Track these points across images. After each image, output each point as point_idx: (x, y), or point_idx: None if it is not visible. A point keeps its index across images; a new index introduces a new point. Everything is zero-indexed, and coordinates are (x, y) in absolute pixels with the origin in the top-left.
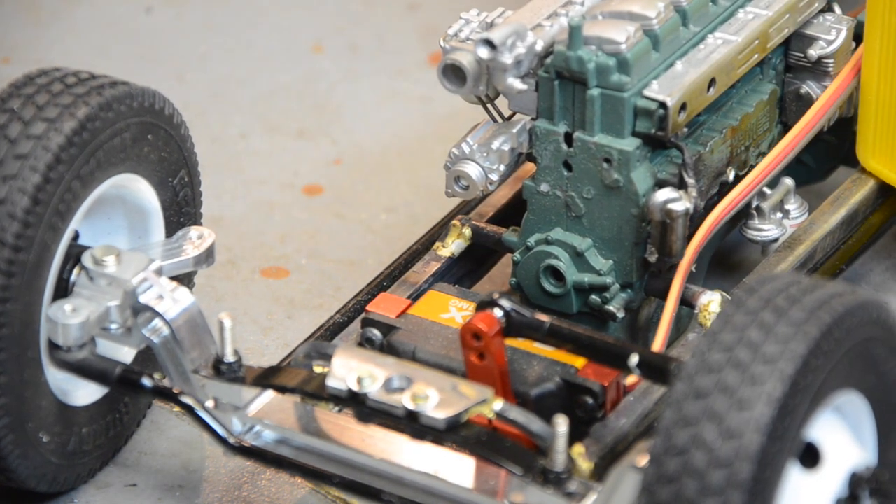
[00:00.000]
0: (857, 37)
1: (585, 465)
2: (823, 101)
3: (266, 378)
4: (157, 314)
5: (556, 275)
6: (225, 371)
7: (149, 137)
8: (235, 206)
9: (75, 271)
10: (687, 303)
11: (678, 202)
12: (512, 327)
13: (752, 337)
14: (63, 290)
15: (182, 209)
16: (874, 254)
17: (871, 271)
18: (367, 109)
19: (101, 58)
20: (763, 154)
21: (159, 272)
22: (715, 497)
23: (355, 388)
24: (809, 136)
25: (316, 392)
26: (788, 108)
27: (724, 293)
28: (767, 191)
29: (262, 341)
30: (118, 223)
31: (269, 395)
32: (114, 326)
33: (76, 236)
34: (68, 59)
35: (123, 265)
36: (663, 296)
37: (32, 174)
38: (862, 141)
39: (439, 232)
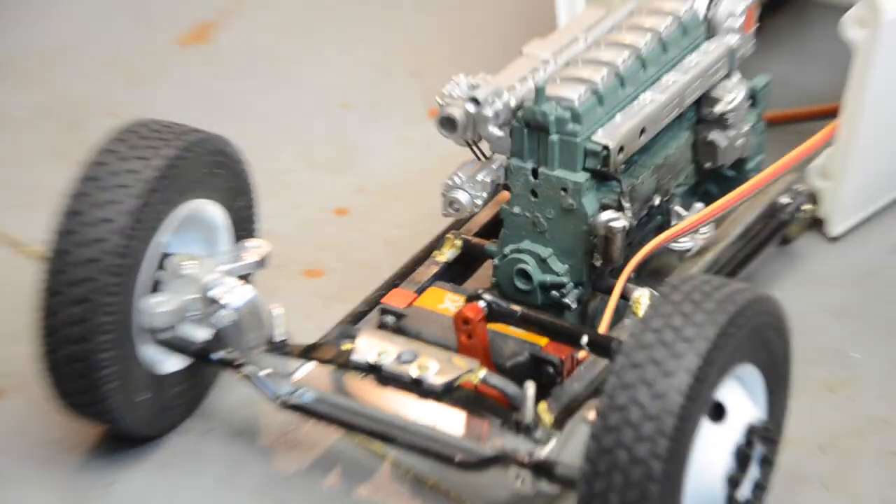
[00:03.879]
0: (753, 98)
1: (548, 418)
2: (765, 175)
3: (307, 353)
4: (226, 305)
5: (526, 276)
6: (276, 347)
7: (218, 172)
8: (283, 224)
9: (163, 272)
10: (624, 296)
11: (617, 221)
12: (492, 315)
13: (675, 322)
14: (154, 286)
15: (243, 225)
16: (762, 260)
17: (759, 272)
18: (382, 151)
19: (185, 112)
20: (683, 185)
21: (226, 273)
22: (646, 442)
23: (374, 360)
24: (738, 204)
25: (344, 363)
26: (700, 150)
27: (652, 290)
28: (684, 212)
29: (304, 325)
30: (196, 236)
31: (309, 365)
32: (193, 314)
33: (164, 246)
34: (160, 113)
35: (200, 268)
36: (607, 291)
37: (130, 199)
38: None
39: (437, 243)
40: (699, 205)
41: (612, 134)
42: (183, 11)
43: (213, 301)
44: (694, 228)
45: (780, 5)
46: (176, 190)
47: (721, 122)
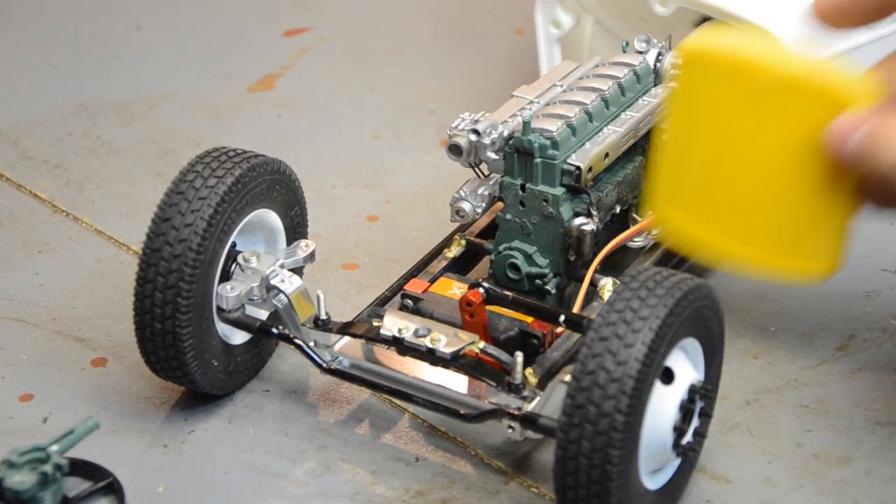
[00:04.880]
0: None
1: (533, 380)
2: None
3: (344, 328)
4: (281, 290)
5: (516, 268)
6: (320, 324)
7: (277, 187)
8: (327, 228)
9: (233, 265)
10: (593, 284)
11: (587, 225)
12: (490, 299)
13: (633, 305)
14: (226, 276)
15: (296, 229)
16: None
17: (698, 265)
18: (404, 171)
19: (252, 142)
20: (638, 198)
21: (282, 266)
22: (611, 399)
23: (397, 334)
24: None
25: (373, 337)
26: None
27: (614, 279)
28: (638, 218)
29: (342, 307)
30: (259, 237)
31: (347, 339)
32: (255, 298)
33: (234, 245)
34: (233, 143)
35: (262, 262)
36: (579, 280)
37: (207, 208)
38: (657, 193)
39: (447, 242)
40: (650, 212)
41: (582, 157)
42: (254, 66)
43: (272, 288)
44: (646, 230)
45: None
46: (243, 201)
47: None
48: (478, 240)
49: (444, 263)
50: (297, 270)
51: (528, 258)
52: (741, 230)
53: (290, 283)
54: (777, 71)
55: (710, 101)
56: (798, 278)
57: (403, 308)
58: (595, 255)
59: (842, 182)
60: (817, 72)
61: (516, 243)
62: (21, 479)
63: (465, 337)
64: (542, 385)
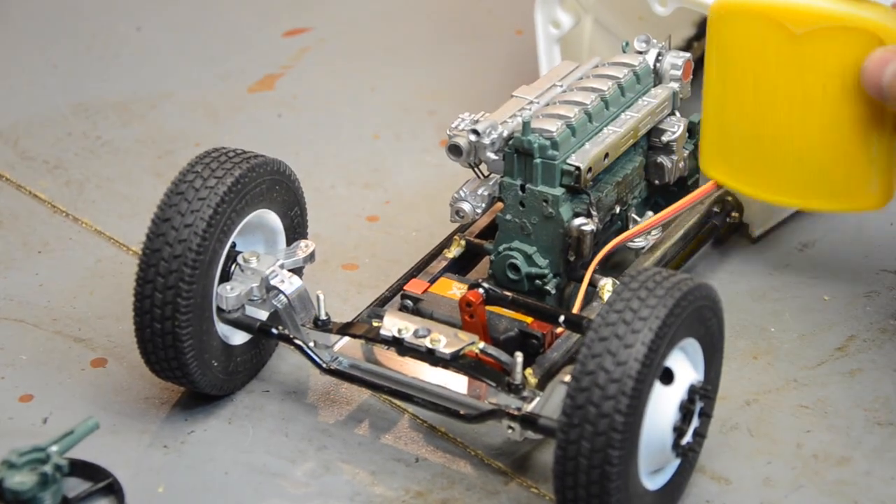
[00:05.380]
0: (690, 131)
1: (533, 380)
2: (691, 197)
3: (344, 329)
4: (281, 291)
5: (515, 268)
6: (320, 325)
7: (276, 188)
8: (327, 228)
9: (233, 266)
10: (592, 284)
11: (587, 225)
12: (489, 299)
13: (633, 305)
14: (226, 276)
15: (296, 230)
16: (700, 256)
17: (698, 265)
18: (404, 172)
19: (252, 142)
20: (637, 198)
21: (282, 266)
22: (610, 400)
23: (397, 335)
24: (686, 208)
25: (374, 337)
26: (650, 171)
27: (614, 279)
28: (638, 219)
29: (342, 307)
30: (259, 237)
31: (346, 339)
32: (255, 298)
33: (233, 245)
34: (234, 143)
35: (261, 262)
36: (579, 280)
37: (207, 209)
38: (704, 155)
39: (446, 243)
40: (650, 213)
41: (582, 158)
42: (254, 66)
43: (272, 288)
44: (646, 231)
45: None
46: (243, 202)
47: (667, 148)
48: (478, 240)
49: (444, 264)
50: (297, 271)
51: (528, 258)
52: (789, 181)
53: (289, 284)
54: (810, 12)
55: (744, 54)
56: (851, 210)
57: (403, 308)
58: (594, 255)
59: (883, 117)
60: (849, 10)
61: (516, 244)
62: (21, 480)
63: (465, 337)
64: (541, 385)
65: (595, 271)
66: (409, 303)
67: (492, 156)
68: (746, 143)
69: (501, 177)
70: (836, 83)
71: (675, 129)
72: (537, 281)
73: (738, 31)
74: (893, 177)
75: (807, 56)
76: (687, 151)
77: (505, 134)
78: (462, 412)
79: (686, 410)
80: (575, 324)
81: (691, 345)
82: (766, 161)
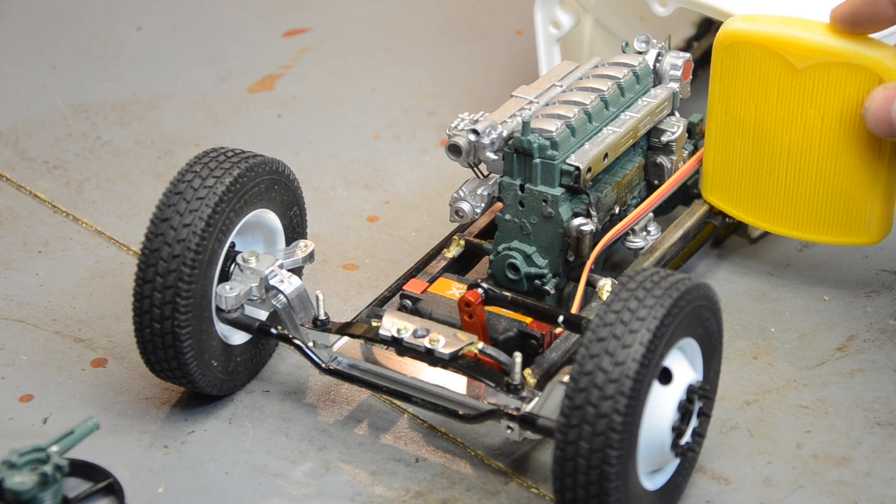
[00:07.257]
0: (690, 131)
1: (532, 380)
2: (673, 179)
3: (344, 329)
4: (280, 291)
5: (515, 268)
6: (319, 325)
7: (276, 187)
8: (327, 228)
9: (232, 266)
10: (591, 284)
11: (586, 226)
12: (488, 299)
13: (631, 305)
14: (225, 276)
15: (295, 229)
16: (699, 256)
17: (697, 265)
18: (404, 172)
19: (252, 142)
20: (637, 198)
21: (281, 266)
22: (609, 400)
23: (396, 335)
24: (665, 197)
25: (373, 337)
26: (650, 171)
27: (613, 279)
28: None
29: (342, 307)
30: (258, 237)
31: (346, 339)
32: (254, 298)
33: (233, 245)
34: (234, 143)
35: (261, 262)
36: (578, 280)
37: (206, 208)
38: (705, 181)
39: (446, 243)
40: (649, 214)
41: (582, 158)
42: (253, 66)
43: (271, 288)
44: (637, 220)
45: (709, 60)
46: (242, 201)
47: (666, 148)
48: (477, 240)
49: (444, 264)
50: (297, 271)
51: (527, 258)
52: (787, 212)
53: (289, 284)
54: (812, 47)
55: (747, 84)
56: (848, 244)
57: (402, 308)
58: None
59: (880, 153)
60: (851, 47)
61: (515, 244)
62: (21, 480)
63: (464, 337)
64: (540, 386)
65: (595, 271)
66: (408, 303)
67: (491, 156)
68: (746, 173)
69: (501, 177)
70: (835, 118)
71: (674, 129)
72: (536, 281)
73: (741, 62)
74: (890, 212)
75: (807, 90)
76: (686, 152)
77: (504, 134)
78: (461, 412)
79: (685, 410)
80: (574, 324)
81: (690, 345)
82: (765, 191)
